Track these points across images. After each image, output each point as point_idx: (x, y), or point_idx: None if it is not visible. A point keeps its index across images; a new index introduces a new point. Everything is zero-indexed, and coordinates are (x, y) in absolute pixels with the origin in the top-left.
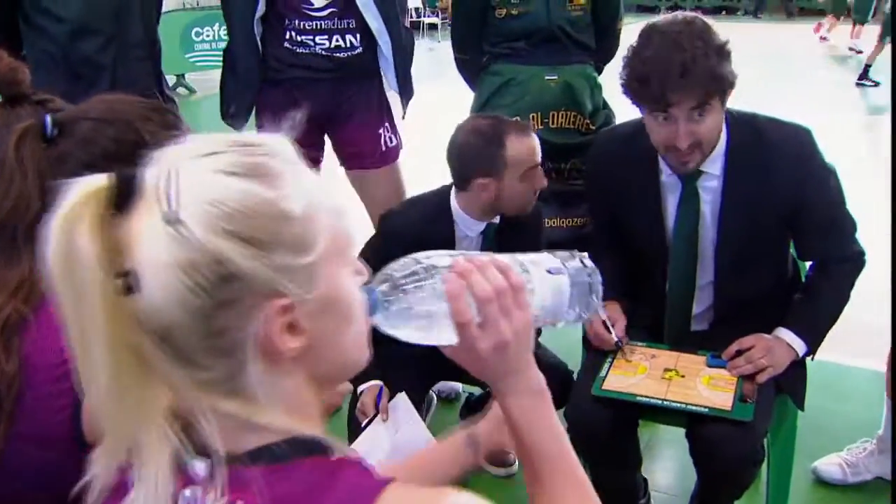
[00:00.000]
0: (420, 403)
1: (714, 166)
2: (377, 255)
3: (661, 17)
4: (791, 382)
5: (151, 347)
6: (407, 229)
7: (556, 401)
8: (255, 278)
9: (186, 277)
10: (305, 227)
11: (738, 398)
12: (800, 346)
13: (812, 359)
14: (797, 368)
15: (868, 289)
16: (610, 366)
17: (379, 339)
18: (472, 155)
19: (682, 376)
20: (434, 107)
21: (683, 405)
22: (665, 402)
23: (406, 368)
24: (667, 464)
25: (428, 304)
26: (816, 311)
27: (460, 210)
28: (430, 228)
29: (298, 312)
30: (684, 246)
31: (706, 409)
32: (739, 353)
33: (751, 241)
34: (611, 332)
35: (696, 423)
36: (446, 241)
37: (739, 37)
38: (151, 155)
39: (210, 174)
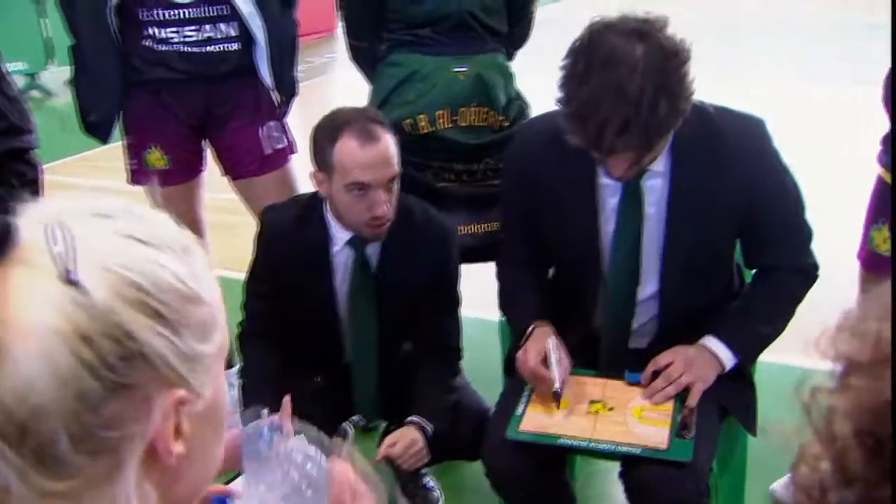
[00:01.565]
0: (330, 436)
1: (658, 163)
2: (256, 253)
3: (609, 22)
4: (738, 404)
5: None
6: (279, 229)
7: (473, 449)
8: (160, 361)
9: (82, 349)
10: (210, 314)
11: (675, 433)
12: (726, 356)
13: (746, 373)
14: (744, 387)
15: (825, 277)
16: (527, 401)
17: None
18: (315, 141)
19: (611, 409)
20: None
21: (613, 447)
22: (592, 444)
23: (314, 403)
24: (610, 496)
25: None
26: (751, 321)
27: (329, 212)
28: (301, 230)
29: (186, 413)
30: (626, 254)
31: (639, 450)
32: (658, 373)
33: (700, 246)
34: (553, 374)
35: (631, 464)
36: (318, 247)
37: None
38: (21, 206)
39: (111, 236)
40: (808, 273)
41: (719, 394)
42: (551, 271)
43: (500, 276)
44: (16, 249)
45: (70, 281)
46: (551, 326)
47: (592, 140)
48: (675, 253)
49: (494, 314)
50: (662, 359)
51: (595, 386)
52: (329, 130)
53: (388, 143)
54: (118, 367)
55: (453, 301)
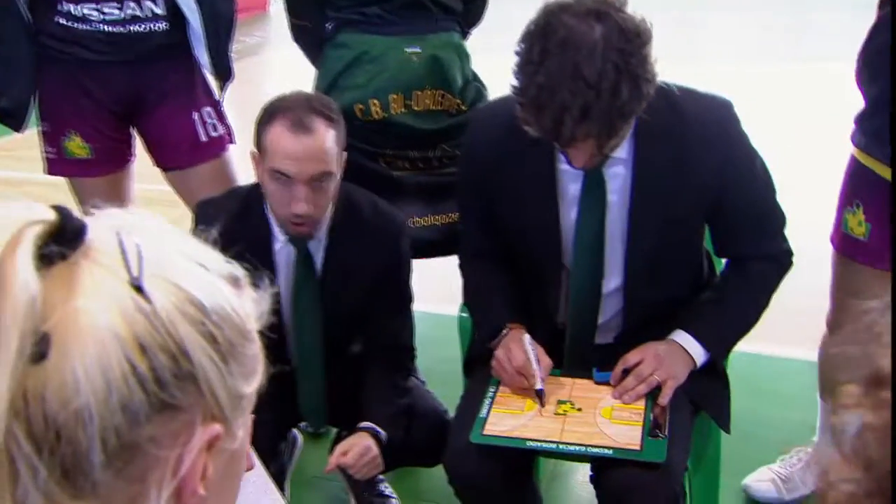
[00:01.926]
0: (278, 446)
1: (621, 149)
2: None
3: (565, 3)
4: (711, 400)
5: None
6: (214, 225)
7: (430, 455)
8: (208, 388)
9: (137, 358)
10: (256, 355)
11: (648, 432)
12: (698, 352)
13: (718, 367)
14: (716, 383)
15: (798, 261)
16: (491, 403)
17: None
18: (257, 119)
19: (579, 409)
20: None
21: (584, 448)
22: (562, 447)
23: (260, 411)
24: (577, 497)
25: None
26: (723, 314)
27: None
28: (240, 226)
29: (216, 454)
30: (589, 246)
31: (611, 452)
32: (627, 372)
33: (667, 234)
34: (535, 372)
35: (602, 467)
36: (259, 244)
37: None
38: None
39: (175, 253)
40: (781, 261)
41: (691, 390)
42: None
43: (464, 270)
44: (86, 247)
45: (137, 287)
46: (524, 328)
47: (551, 130)
48: (641, 243)
49: (451, 309)
50: (632, 357)
51: (562, 386)
52: (268, 111)
53: (323, 138)
54: (168, 385)
55: (405, 298)
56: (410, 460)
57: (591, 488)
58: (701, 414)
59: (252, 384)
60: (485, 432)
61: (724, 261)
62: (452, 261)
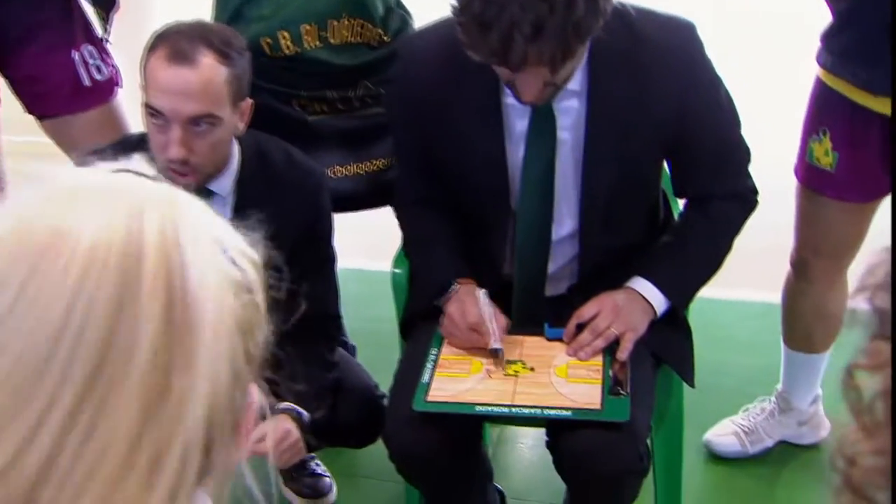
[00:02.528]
0: None
1: (574, 80)
2: None
3: None
4: (673, 353)
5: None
6: None
7: (359, 435)
8: (257, 343)
9: (244, 334)
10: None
11: (608, 390)
12: (658, 300)
13: (680, 317)
14: (679, 334)
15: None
16: (434, 366)
17: None
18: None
19: (531, 369)
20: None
21: (539, 411)
22: (515, 410)
23: None
24: (528, 461)
25: None
26: (684, 258)
27: None
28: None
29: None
30: (537, 188)
31: (569, 413)
32: (582, 327)
33: (623, 173)
34: (491, 330)
35: (559, 430)
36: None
37: None
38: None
39: (223, 228)
40: (746, 199)
41: (652, 342)
42: None
43: (402, 219)
44: None
45: (230, 258)
46: (475, 282)
47: (499, 51)
48: (595, 183)
49: (383, 264)
50: (586, 309)
51: (511, 344)
52: (155, 37)
53: (208, 74)
54: (254, 358)
55: (327, 260)
56: (338, 441)
57: (542, 452)
58: (662, 367)
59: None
60: (429, 399)
61: (681, 202)
62: (381, 210)
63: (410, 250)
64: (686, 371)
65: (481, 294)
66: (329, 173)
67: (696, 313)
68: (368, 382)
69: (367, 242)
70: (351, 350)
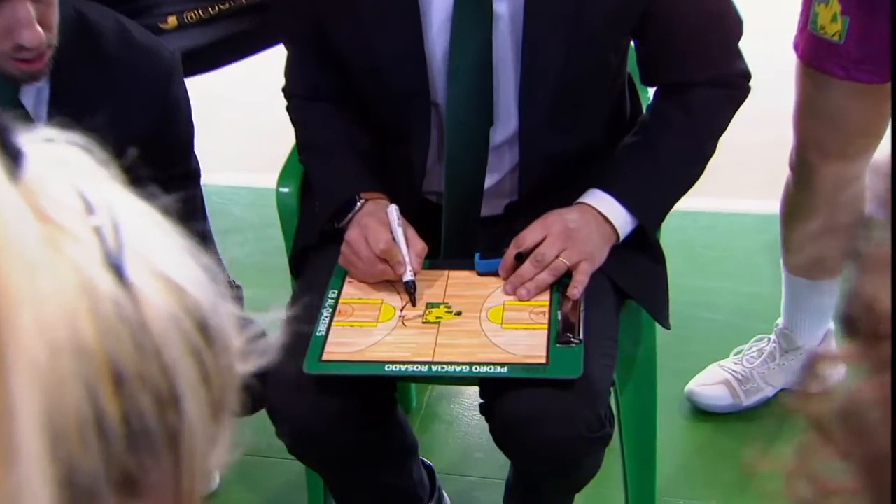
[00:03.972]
0: None
1: None
2: None
3: None
4: (642, 285)
5: None
6: None
7: (250, 398)
8: (189, 465)
9: (105, 395)
10: (229, 423)
11: (556, 338)
12: (621, 219)
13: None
14: (649, 261)
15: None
16: (332, 313)
17: None
18: None
19: (458, 314)
20: None
21: (467, 368)
22: (436, 368)
23: None
24: (467, 429)
25: None
26: (655, 164)
27: None
28: None
29: None
30: (469, 76)
31: (505, 369)
32: (523, 257)
33: (576, 57)
34: (403, 258)
35: (494, 390)
36: None
37: None
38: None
39: (157, 229)
40: (735, 86)
41: (614, 273)
42: None
43: (295, 119)
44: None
45: (116, 269)
46: (386, 198)
47: None
48: (540, 70)
49: (268, 180)
50: (529, 234)
51: (433, 282)
52: None
53: None
54: (141, 446)
55: (186, 177)
56: None
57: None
58: (628, 304)
59: (221, 423)
60: (325, 357)
61: (651, 92)
62: (264, 109)
63: (303, 158)
64: (659, 308)
65: (392, 211)
66: (176, 18)
67: (671, 232)
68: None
69: (252, 150)
70: (235, 292)
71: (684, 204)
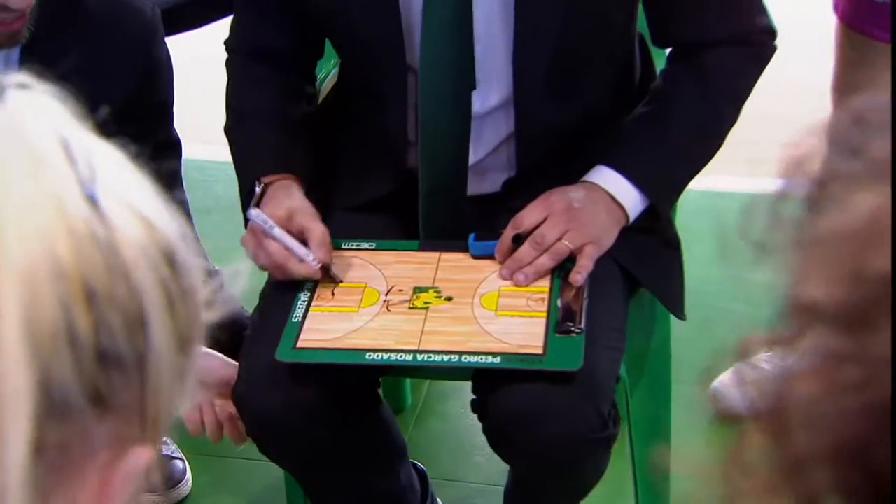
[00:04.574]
0: None
1: None
2: None
3: None
4: (654, 272)
5: None
6: None
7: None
8: (156, 386)
9: (79, 311)
10: (193, 365)
11: (555, 327)
12: (631, 198)
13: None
14: (662, 245)
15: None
16: (310, 296)
17: None
18: None
19: (448, 299)
20: None
21: (456, 358)
22: (422, 358)
23: None
24: (464, 430)
25: None
26: (668, 137)
27: None
28: None
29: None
30: (445, 34)
31: (498, 360)
32: (520, 239)
33: (575, 18)
34: (303, 255)
35: (487, 384)
36: None
37: None
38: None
39: (126, 169)
40: (758, 45)
41: (623, 258)
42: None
43: (229, 70)
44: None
45: (91, 199)
46: (296, 179)
47: None
48: (533, 27)
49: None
50: (528, 214)
51: (420, 264)
52: None
53: None
54: (110, 365)
55: (164, 146)
56: None
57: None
58: (639, 293)
59: (181, 405)
60: (300, 345)
61: (667, 53)
62: None
63: (228, 124)
64: (672, 297)
65: (256, 219)
66: None
67: (688, 213)
68: (241, 313)
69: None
70: (212, 276)
71: (702, 182)
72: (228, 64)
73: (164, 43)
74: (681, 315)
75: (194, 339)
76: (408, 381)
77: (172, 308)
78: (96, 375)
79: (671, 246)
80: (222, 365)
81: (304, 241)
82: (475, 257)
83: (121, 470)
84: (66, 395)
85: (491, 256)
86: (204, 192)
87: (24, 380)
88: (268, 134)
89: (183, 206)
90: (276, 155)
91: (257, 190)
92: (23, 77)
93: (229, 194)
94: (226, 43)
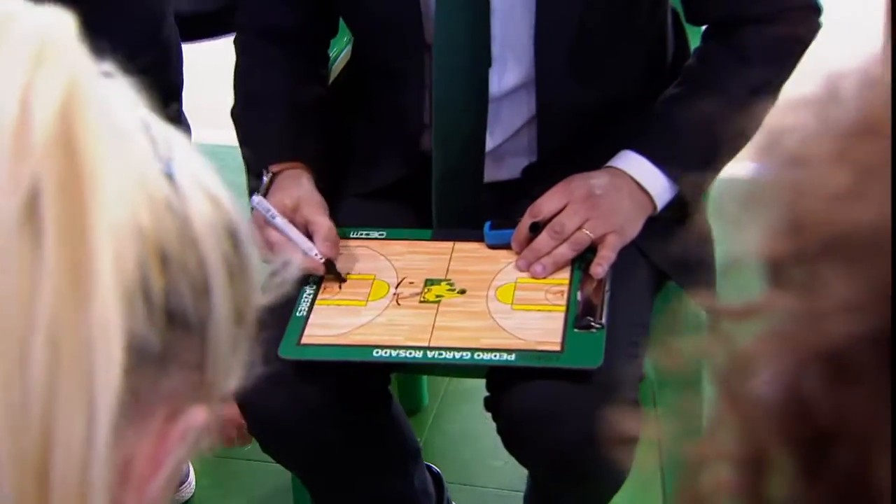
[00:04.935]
0: None
1: None
2: None
3: None
4: (682, 265)
5: None
6: None
7: None
8: (215, 351)
9: (154, 272)
10: (246, 341)
11: (574, 322)
12: (658, 184)
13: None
14: (691, 235)
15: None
16: (316, 289)
17: None
18: None
19: (462, 292)
20: None
21: (469, 355)
22: (432, 355)
23: None
24: (484, 431)
25: None
26: (699, 120)
27: None
28: None
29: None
30: (462, 11)
31: (513, 357)
32: (538, 228)
33: None
34: (306, 249)
35: (501, 382)
36: None
37: None
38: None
39: (199, 159)
40: (801, 22)
41: (649, 249)
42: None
43: (238, 49)
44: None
45: (169, 175)
46: (305, 168)
47: None
48: (560, 2)
49: None
50: (547, 201)
51: (433, 255)
52: None
53: None
54: (176, 326)
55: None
56: None
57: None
58: (667, 286)
59: (237, 375)
60: (304, 341)
61: (702, 30)
62: None
63: (235, 110)
64: (703, 290)
65: (259, 207)
66: None
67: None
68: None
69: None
70: None
71: (736, 168)
72: (237, 43)
73: (174, 25)
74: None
75: (248, 315)
76: (424, 380)
77: (232, 281)
78: (165, 332)
79: (702, 236)
80: None
81: (309, 235)
82: (490, 247)
83: (178, 426)
84: (142, 344)
85: (507, 246)
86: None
87: (117, 328)
88: (277, 119)
89: None
90: (286, 142)
91: (265, 179)
92: (107, 66)
93: (241, 182)
94: (236, 21)
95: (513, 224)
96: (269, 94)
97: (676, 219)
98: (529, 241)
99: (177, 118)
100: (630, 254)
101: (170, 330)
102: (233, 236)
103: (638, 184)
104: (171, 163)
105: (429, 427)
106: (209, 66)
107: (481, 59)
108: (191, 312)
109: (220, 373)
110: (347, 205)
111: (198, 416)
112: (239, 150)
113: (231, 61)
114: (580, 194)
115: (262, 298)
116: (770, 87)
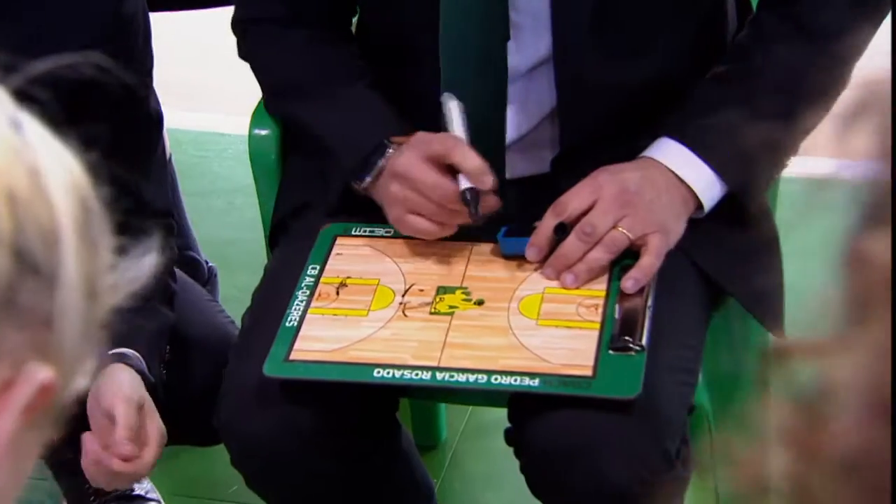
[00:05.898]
0: None
1: None
2: None
3: None
4: (742, 276)
5: None
6: None
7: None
8: (64, 302)
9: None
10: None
11: (608, 342)
12: (703, 178)
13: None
14: (749, 240)
15: None
16: (309, 296)
17: None
18: None
19: (479, 303)
20: None
21: (485, 377)
22: (441, 377)
23: None
24: (508, 471)
25: None
26: (751, 103)
27: None
28: None
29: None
30: None
31: (536, 382)
32: (564, 230)
33: None
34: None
35: (525, 411)
36: None
37: None
38: None
39: (51, 134)
40: None
41: (700, 256)
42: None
43: (259, 46)
44: None
45: (16, 125)
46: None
47: None
48: None
49: (239, 125)
50: (574, 197)
51: (446, 257)
52: None
53: None
54: (23, 270)
55: (145, 119)
56: (173, 435)
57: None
58: (726, 303)
59: (85, 367)
60: (293, 356)
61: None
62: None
63: (284, 106)
64: (767, 308)
65: (452, 104)
66: None
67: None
68: (226, 331)
69: (242, 83)
70: (206, 274)
71: (799, 168)
72: (254, 40)
73: None
74: (779, 332)
75: (100, 294)
76: (443, 409)
77: (84, 246)
78: (13, 272)
79: (766, 242)
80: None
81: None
82: (506, 257)
83: (20, 383)
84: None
85: (522, 255)
86: (200, 170)
87: None
88: (361, 97)
89: (170, 202)
90: (388, 115)
91: (391, 150)
92: None
93: (232, 174)
94: (239, 20)
95: (533, 230)
96: (333, 75)
97: (734, 222)
98: (552, 245)
99: (146, 108)
100: (678, 262)
101: (19, 273)
102: (85, 208)
103: (677, 177)
104: (19, 119)
105: (447, 466)
106: (192, 37)
107: (498, 32)
108: (40, 258)
109: (68, 341)
110: (350, 198)
111: (41, 372)
112: (230, 138)
113: (219, 33)
114: (610, 190)
115: (115, 290)
116: (835, 65)
